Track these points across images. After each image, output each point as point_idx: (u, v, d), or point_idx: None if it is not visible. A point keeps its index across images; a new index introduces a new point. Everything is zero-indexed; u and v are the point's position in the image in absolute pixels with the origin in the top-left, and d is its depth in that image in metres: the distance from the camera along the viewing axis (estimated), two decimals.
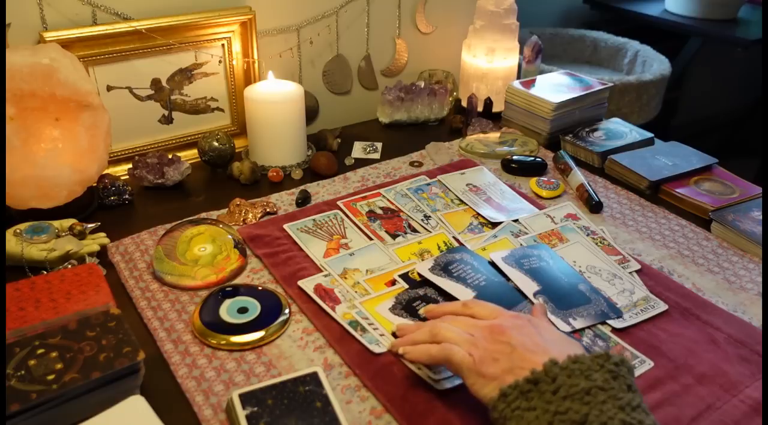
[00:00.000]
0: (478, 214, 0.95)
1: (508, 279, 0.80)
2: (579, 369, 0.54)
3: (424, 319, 0.71)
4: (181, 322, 0.74)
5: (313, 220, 0.92)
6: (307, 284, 0.80)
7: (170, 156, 1.03)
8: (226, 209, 0.96)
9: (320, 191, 1.02)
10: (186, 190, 1.03)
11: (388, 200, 0.98)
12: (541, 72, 1.30)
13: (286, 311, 0.75)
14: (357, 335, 0.72)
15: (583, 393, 0.52)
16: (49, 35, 0.92)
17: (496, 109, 1.27)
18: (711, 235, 0.93)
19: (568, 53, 2.20)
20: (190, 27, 1.03)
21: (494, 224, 0.93)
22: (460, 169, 1.07)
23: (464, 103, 1.29)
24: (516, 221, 0.93)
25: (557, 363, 0.54)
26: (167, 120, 1.09)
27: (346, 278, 0.81)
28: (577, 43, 2.20)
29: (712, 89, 2.78)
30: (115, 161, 1.05)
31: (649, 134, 1.17)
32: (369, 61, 1.28)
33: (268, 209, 0.96)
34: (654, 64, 1.98)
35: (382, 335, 0.72)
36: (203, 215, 0.94)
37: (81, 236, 0.85)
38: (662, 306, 0.77)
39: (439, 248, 0.87)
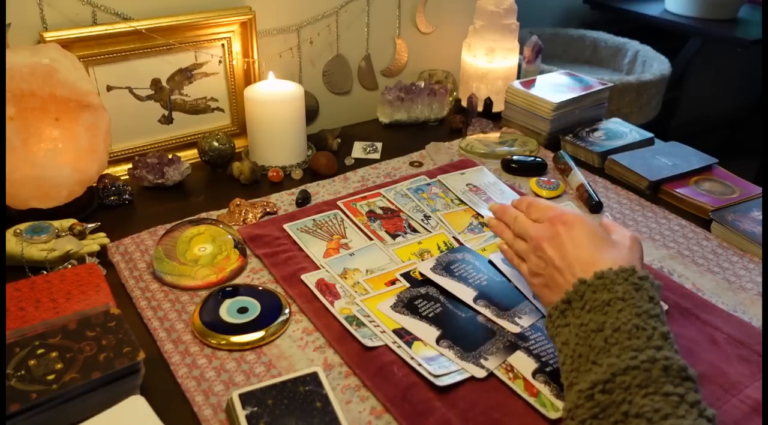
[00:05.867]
0: (478, 214, 0.95)
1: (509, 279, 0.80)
2: (603, 283, 0.59)
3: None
4: (181, 322, 0.74)
5: (313, 220, 0.92)
6: (310, 279, 0.80)
7: (170, 156, 1.03)
8: (226, 209, 0.96)
9: (320, 191, 1.02)
10: (186, 190, 1.03)
11: (388, 200, 0.98)
12: (541, 72, 1.30)
13: (286, 311, 0.75)
14: (352, 329, 0.72)
15: (603, 304, 0.58)
16: (49, 35, 0.92)
17: (496, 109, 1.27)
18: (711, 235, 0.93)
19: (568, 53, 2.20)
20: (190, 27, 1.03)
21: None
22: (460, 169, 1.07)
23: (464, 104, 1.29)
24: None
25: (585, 281, 0.60)
26: (167, 120, 1.09)
27: (346, 278, 0.81)
28: (577, 43, 2.20)
29: (712, 89, 2.78)
30: (115, 161, 1.05)
31: (649, 134, 1.17)
32: (369, 61, 1.28)
33: (268, 209, 0.96)
34: (654, 64, 1.98)
35: (383, 332, 0.72)
36: (203, 215, 0.94)
37: (81, 236, 0.85)
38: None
39: (439, 248, 0.87)
